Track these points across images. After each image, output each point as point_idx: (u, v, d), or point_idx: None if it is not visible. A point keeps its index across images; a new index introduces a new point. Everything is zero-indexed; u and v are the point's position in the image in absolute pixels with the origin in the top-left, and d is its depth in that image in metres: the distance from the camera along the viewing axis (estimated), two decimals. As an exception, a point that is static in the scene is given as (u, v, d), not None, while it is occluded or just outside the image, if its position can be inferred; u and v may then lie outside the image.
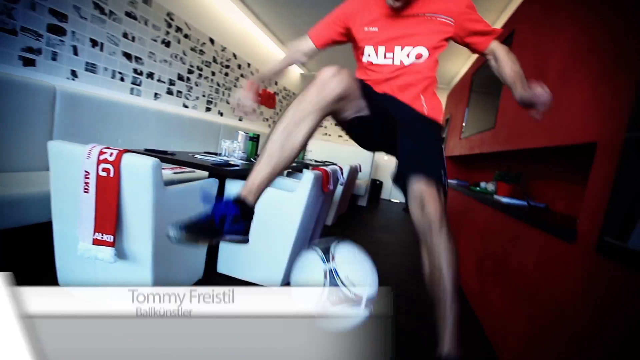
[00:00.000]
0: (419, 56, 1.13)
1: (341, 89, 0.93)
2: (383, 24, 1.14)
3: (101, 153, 1.15)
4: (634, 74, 0.90)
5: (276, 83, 5.60)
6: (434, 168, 0.98)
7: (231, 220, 0.88)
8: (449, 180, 3.57)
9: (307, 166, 2.95)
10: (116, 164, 1.14)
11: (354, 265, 0.90)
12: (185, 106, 3.46)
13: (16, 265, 1.59)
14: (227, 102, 4.21)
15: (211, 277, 1.80)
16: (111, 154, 1.14)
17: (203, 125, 3.44)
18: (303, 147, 0.96)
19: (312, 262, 0.92)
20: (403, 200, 6.38)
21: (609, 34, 1.09)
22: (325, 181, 1.76)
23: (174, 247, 1.38)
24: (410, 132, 1.09)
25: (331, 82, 0.92)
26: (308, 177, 1.60)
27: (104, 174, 1.15)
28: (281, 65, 1.36)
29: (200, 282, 1.71)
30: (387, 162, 6.93)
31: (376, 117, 1.10)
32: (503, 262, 1.60)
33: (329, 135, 7.69)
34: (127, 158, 1.15)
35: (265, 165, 0.92)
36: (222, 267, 1.84)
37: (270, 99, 4.72)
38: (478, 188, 2.54)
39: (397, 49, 1.13)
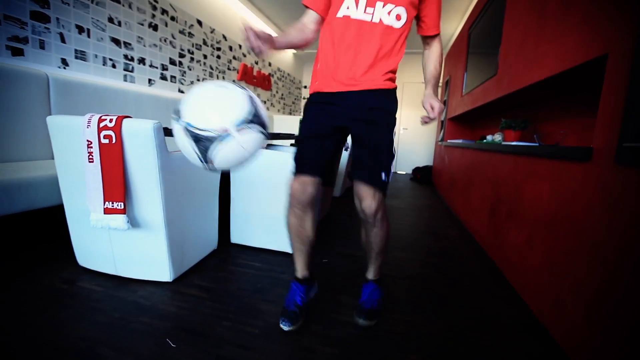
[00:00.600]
0: (398, 17, 1.06)
1: (314, 190, 1.15)
2: None
3: (100, 120, 1.13)
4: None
5: (270, 64, 5.50)
6: (374, 174, 1.10)
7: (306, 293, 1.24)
8: (451, 140, 3.52)
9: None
10: (117, 129, 1.12)
11: (204, 106, 0.81)
12: (181, 91, 3.41)
13: (28, 247, 1.61)
14: (222, 86, 4.16)
15: (226, 246, 1.81)
16: (111, 120, 1.13)
17: (200, 109, 3.41)
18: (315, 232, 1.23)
19: (174, 130, 0.85)
20: (409, 171, 6.34)
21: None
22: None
23: (186, 214, 1.38)
24: (357, 132, 1.12)
25: (306, 189, 1.13)
26: (312, 135, 1.58)
27: (106, 141, 1.13)
28: (287, 40, 1.10)
29: (214, 253, 1.72)
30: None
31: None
32: (517, 203, 1.58)
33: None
34: (127, 123, 1.14)
35: (299, 252, 1.23)
36: (236, 237, 1.84)
37: (265, 81, 4.71)
38: (485, 140, 2.50)
39: (379, 4, 1.04)
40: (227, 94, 0.84)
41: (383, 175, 1.10)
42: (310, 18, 1.14)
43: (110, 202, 1.18)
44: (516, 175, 1.62)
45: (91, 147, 1.15)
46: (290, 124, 5.22)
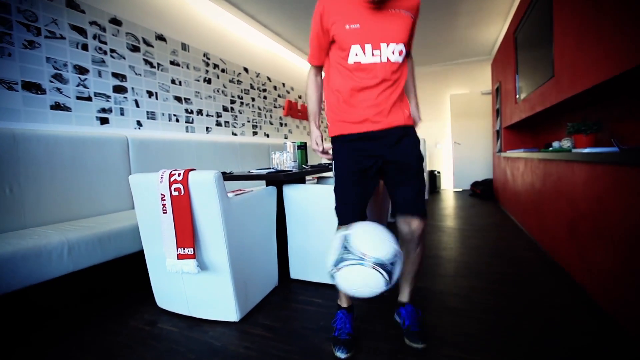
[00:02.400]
0: (400, 53, 1.13)
1: None
2: (364, 20, 1.10)
3: (171, 175, 1.27)
4: None
5: (300, 97, 5.74)
6: (420, 205, 1.20)
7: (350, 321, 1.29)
8: (511, 151, 3.27)
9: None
10: (184, 182, 1.25)
11: (367, 235, 0.98)
12: (234, 134, 3.70)
13: (120, 294, 1.80)
14: (271, 123, 4.42)
15: (286, 283, 1.84)
16: (179, 175, 1.26)
17: (253, 148, 3.64)
18: None
19: (389, 236, 1.00)
20: (467, 187, 5.95)
21: None
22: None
23: (247, 254, 1.45)
24: (396, 168, 1.20)
25: None
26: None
27: (176, 193, 1.26)
28: (316, 108, 1.37)
29: (276, 290, 1.76)
30: (440, 151, 6.59)
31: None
32: (602, 219, 1.39)
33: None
34: (192, 175, 1.26)
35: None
36: (295, 273, 1.87)
37: (296, 110, 4.84)
38: (551, 148, 2.28)
39: (383, 45, 1.11)
40: (382, 237, 0.98)
41: (423, 203, 1.21)
42: (318, 71, 1.34)
43: (183, 249, 1.29)
44: (596, 187, 1.44)
45: (164, 200, 1.29)
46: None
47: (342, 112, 1.20)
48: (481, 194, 4.98)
